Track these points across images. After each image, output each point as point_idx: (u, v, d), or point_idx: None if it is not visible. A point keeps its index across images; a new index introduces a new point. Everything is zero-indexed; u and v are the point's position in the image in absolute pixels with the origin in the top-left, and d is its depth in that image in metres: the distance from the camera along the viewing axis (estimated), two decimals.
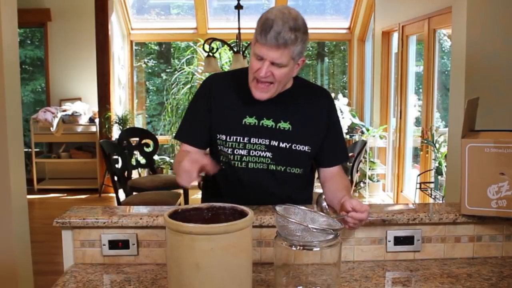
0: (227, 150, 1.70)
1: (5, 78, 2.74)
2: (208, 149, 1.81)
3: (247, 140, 1.68)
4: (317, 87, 1.86)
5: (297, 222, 1.26)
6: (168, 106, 6.39)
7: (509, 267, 1.58)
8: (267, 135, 1.68)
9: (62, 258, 1.65)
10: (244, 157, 1.69)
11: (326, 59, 7.98)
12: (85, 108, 6.53)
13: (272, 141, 1.68)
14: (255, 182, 1.69)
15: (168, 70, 7.57)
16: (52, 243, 3.60)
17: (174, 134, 6.34)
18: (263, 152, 1.69)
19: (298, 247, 1.27)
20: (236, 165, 1.70)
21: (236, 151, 1.69)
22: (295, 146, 1.69)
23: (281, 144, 1.68)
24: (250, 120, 1.68)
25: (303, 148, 1.70)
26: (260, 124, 1.68)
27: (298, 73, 1.69)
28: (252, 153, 1.69)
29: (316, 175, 1.89)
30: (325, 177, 1.77)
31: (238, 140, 1.69)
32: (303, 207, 1.38)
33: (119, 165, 4.44)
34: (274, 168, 1.70)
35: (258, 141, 1.68)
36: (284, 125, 1.68)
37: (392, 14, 5.63)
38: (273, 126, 1.68)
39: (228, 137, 1.69)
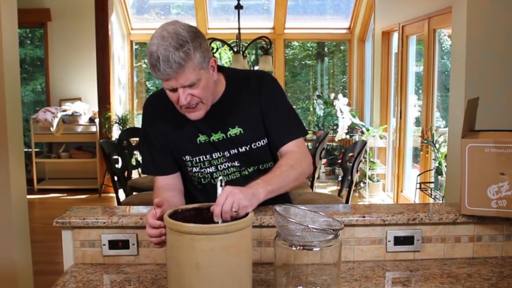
0: (197, 169, 1.66)
1: (5, 78, 2.74)
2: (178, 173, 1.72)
3: (210, 157, 1.63)
4: (248, 75, 1.76)
5: (297, 222, 1.26)
6: None
7: (509, 267, 1.58)
8: (223, 147, 1.62)
9: (62, 258, 1.65)
10: (214, 173, 1.66)
11: (326, 59, 7.98)
12: (85, 108, 6.53)
13: (231, 151, 1.63)
14: None
15: None
16: (52, 243, 3.60)
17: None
18: (229, 163, 1.64)
19: (298, 247, 1.27)
20: (211, 182, 1.67)
21: (205, 170, 1.65)
22: (254, 145, 1.64)
23: (241, 150, 1.63)
24: (203, 138, 1.62)
25: (263, 142, 1.65)
26: (211, 140, 1.62)
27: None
28: (220, 167, 1.65)
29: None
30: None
31: (201, 159, 1.64)
32: (303, 207, 1.38)
33: (119, 165, 4.44)
34: (247, 173, 1.66)
35: (220, 154, 1.63)
36: (235, 131, 1.61)
37: (392, 14, 5.63)
38: (225, 137, 1.61)
39: (192, 158, 1.64)
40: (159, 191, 1.62)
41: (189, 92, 1.46)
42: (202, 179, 1.68)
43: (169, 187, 1.65)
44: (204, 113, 1.54)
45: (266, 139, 1.66)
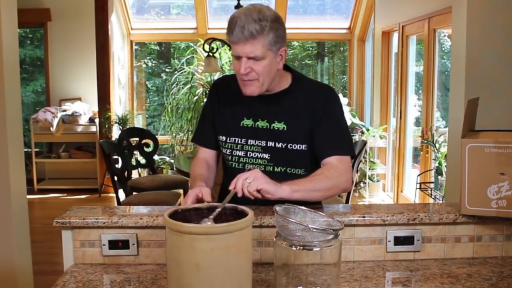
0: (226, 151, 1.75)
1: (5, 78, 2.74)
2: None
3: (245, 142, 1.71)
4: (317, 84, 1.83)
5: (297, 222, 1.26)
6: (168, 106, 6.40)
7: (509, 267, 1.58)
8: (263, 136, 1.69)
9: (62, 258, 1.65)
10: (242, 158, 1.72)
11: (326, 59, 7.98)
12: (85, 108, 6.53)
13: (268, 142, 1.69)
14: None
15: (168, 70, 7.57)
16: (52, 243, 3.60)
17: (174, 134, 6.34)
18: (260, 154, 1.71)
19: (298, 247, 1.27)
20: (233, 166, 1.74)
21: (234, 152, 1.73)
22: (291, 146, 1.68)
23: (277, 145, 1.68)
24: (247, 122, 1.71)
25: (299, 147, 1.68)
26: (256, 125, 1.70)
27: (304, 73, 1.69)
28: (249, 154, 1.71)
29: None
30: None
31: (236, 141, 1.72)
32: (303, 207, 1.38)
33: (119, 165, 4.44)
34: (272, 169, 1.70)
35: (255, 142, 1.70)
36: (279, 125, 1.68)
37: (392, 14, 5.63)
38: (268, 127, 1.69)
39: (227, 139, 1.74)
40: (198, 163, 1.78)
41: (250, 64, 1.56)
42: (230, 158, 1.75)
43: (207, 162, 1.80)
44: (257, 91, 1.62)
45: (305, 145, 1.68)
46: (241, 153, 1.72)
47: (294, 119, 1.68)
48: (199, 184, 1.61)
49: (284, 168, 1.71)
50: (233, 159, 1.74)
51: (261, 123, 1.70)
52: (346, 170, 1.65)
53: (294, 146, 1.68)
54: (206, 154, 1.83)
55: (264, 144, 1.69)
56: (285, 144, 1.68)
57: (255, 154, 1.71)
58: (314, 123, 1.68)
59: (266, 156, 1.70)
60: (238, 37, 1.51)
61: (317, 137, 1.68)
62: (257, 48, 1.53)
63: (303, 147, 1.69)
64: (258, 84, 1.60)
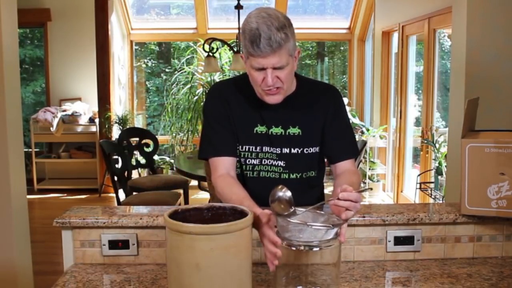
0: (240, 160, 1.68)
1: (5, 78, 2.74)
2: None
3: (259, 149, 1.66)
4: (322, 84, 1.83)
5: (297, 222, 1.26)
6: (168, 106, 6.40)
7: (509, 267, 1.58)
8: (278, 143, 1.65)
9: (62, 258, 1.65)
10: (256, 166, 1.68)
11: (326, 59, 7.98)
12: (85, 108, 6.53)
13: (283, 149, 1.65)
14: (266, 191, 1.40)
15: (168, 70, 7.57)
16: (52, 243, 3.60)
17: (174, 134, 6.32)
18: (275, 161, 1.67)
19: (298, 247, 1.27)
20: (247, 175, 1.69)
21: (248, 161, 1.68)
22: (306, 150, 1.67)
23: (292, 150, 1.66)
24: (261, 129, 1.66)
25: (314, 149, 1.68)
26: (270, 132, 1.65)
27: (299, 73, 1.68)
28: (264, 161, 1.67)
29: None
30: (336, 173, 1.69)
31: (250, 149, 1.67)
32: (303, 208, 1.38)
33: (119, 165, 4.44)
34: (287, 176, 1.67)
35: (270, 149, 1.66)
36: (294, 131, 1.65)
37: (392, 14, 5.63)
38: (283, 133, 1.65)
39: (240, 147, 1.67)
40: (229, 183, 1.56)
41: (276, 74, 1.51)
42: (244, 167, 1.69)
43: (234, 178, 1.60)
44: (282, 99, 1.58)
45: (318, 147, 1.68)
46: (255, 161, 1.67)
47: (307, 122, 1.66)
48: (255, 207, 1.38)
49: (300, 174, 1.68)
50: (247, 168, 1.68)
51: (275, 130, 1.65)
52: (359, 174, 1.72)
53: (310, 150, 1.67)
54: (227, 167, 1.62)
55: (279, 151, 1.65)
56: (301, 149, 1.66)
57: (269, 162, 1.67)
58: (326, 125, 1.68)
59: (281, 163, 1.66)
60: (266, 50, 1.44)
61: (329, 139, 1.68)
62: (283, 57, 1.48)
63: (316, 149, 1.68)
64: (282, 91, 1.56)
